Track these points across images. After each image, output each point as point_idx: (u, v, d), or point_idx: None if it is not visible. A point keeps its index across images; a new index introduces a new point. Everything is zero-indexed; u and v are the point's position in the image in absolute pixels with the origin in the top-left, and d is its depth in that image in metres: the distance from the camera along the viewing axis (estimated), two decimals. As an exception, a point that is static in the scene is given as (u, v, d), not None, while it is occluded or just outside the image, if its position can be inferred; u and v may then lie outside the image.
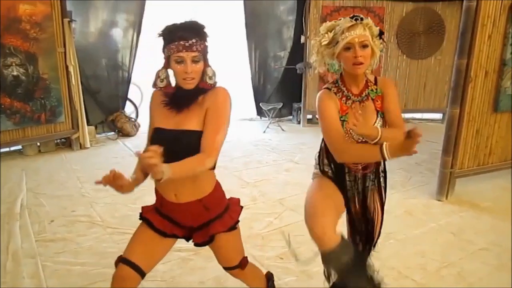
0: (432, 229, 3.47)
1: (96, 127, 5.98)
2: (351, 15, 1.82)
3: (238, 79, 8.74)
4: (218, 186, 1.86)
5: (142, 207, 1.92)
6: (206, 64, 1.67)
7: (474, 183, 4.23)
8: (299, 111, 7.20)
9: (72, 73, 5.21)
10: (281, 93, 7.23)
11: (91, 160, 5.16)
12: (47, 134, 5.31)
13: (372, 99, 1.92)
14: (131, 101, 6.67)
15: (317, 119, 7.44)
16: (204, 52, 1.63)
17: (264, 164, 5.12)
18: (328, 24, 1.87)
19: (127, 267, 1.74)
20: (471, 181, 4.20)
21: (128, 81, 6.21)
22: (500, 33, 3.73)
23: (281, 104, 6.98)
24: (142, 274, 1.76)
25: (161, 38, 1.64)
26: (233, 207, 1.92)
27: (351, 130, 1.85)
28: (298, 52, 6.87)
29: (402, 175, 4.73)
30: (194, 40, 1.58)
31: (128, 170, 4.67)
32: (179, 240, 1.95)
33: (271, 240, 3.26)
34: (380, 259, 3.00)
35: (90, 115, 5.83)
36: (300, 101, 7.03)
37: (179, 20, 1.64)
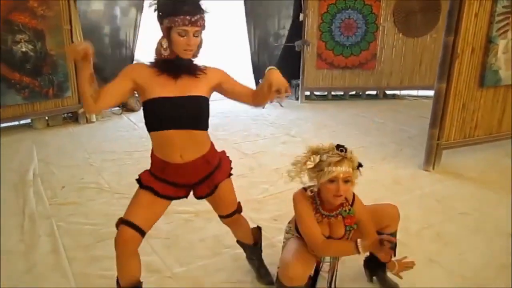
0: (417, 195, 3.72)
1: (101, 103, 6.19)
2: (337, 145, 1.93)
3: (237, 57, 8.88)
4: (211, 141, 2.03)
5: (141, 176, 1.97)
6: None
7: (460, 155, 4.46)
8: (297, 88, 7.39)
9: (78, 50, 5.40)
10: (280, 70, 7.33)
11: (97, 133, 5.42)
12: (55, 108, 5.55)
13: (343, 217, 2.05)
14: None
15: (315, 95, 7.65)
16: (203, 27, 1.75)
17: (262, 137, 5.36)
18: (313, 146, 1.98)
19: (130, 229, 1.84)
20: (457, 153, 4.43)
21: (131, 59, 6.40)
22: (486, 11, 3.90)
23: (280, 81, 7.15)
24: (143, 234, 1.89)
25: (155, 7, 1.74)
26: (224, 156, 2.11)
27: None
28: (297, 30, 7.02)
29: (394, 148, 4.96)
30: (198, 16, 1.69)
31: (131, 142, 5.08)
32: (180, 203, 2.13)
33: (267, 204, 3.52)
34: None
35: (95, 91, 6.03)
36: (299, 78, 7.21)
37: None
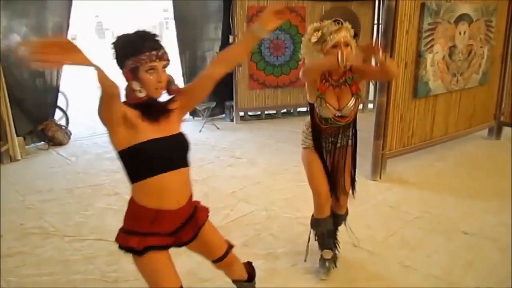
0: (373, 205, 3.88)
1: (24, 138, 5.66)
2: (334, 19, 2.31)
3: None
4: None
5: (127, 241, 1.71)
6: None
7: (400, 162, 4.75)
8: (231, 109, 7.40)
9: (-3, 82, 4.92)
10: (213, 92, 7.22)
11: (27, 172, 4.91)
12: (-28, 148, 4.95)
13: (349, 84, 2.41)
14: (60, 108, 6.39)
15: (249, 116, 7.71)
16: (169, 61, 1.66)
17: (207, 161, 5.25)
18: (314, 25, 2.33)
19: None
20: (397, 160, 4.71)
21: (56, 88, 5.95)
22: (415, 28, 4.25)
23: (214, 104, 7.12)
24: None
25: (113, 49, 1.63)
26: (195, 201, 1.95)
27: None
28: (227, 51, 7.04)
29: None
30: (163, 50, 1.62)
31: (68, 178, 4.71)
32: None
33: (232, 230, 3.42)
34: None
35: (17, 125, 5.48)
36: (232, 99, 7.22)
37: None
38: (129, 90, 1.64)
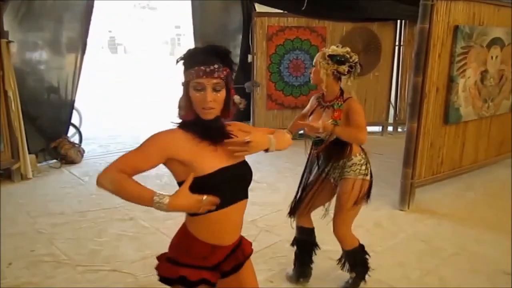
0: (403, 239, 3.64)
1: (36, 156, 5.51)
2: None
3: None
4: None
5: (181, 270, 1.56)
6: (232, 93, 1.53)
7: (428, 191, 4.50)
8: (248, 129, 7.22)
9: (12, 98, 4.79)
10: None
11: (38, 192, 4.73)
12: (-17, 166, 4.79)
13: (334, 109, 2.56)
14: (74, 125, 6.25)
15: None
16: (227, 79, 1.47)
17: (224, 185, 5.03)
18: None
19: None
20: (426, 189, 4.47)
21: (71, 105, 5.82)
22: (447, 52, 4.06)
23: (230, 123, 6.96)
24: None
25: (180, 62, 1.50)
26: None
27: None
28: (245, 71, 6.92)
29: (361, 188, 4.89)
30: (216, 66, 1.43)
31: (80, 200, 4.48)
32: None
33: (255, 263, 3.18)
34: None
35: (30, 143, 5.34)
36: (249, 119, 7.06)
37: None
38: (178, 105, 1.57)
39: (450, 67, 4.12)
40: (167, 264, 1.58)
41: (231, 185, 1.51)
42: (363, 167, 2.63)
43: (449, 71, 4.13)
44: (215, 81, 1.43)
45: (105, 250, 3.41)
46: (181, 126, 1.53)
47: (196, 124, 1.50)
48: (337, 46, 2.58)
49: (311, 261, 2.95)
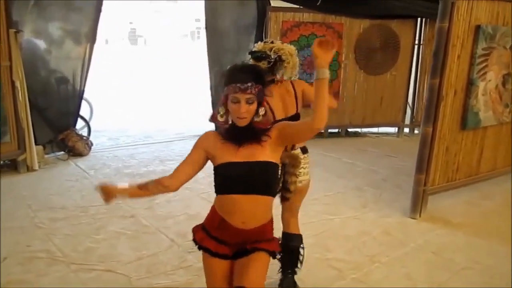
0: (413, 249, 3.46)
1: (44, 147, 5.47)
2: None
3: (196, 92, 8.44)
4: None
5: (194, 233, 2.01)
6: (262, 104, 1.83)
7: (442, 199, 4.30)
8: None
9: (19, 89, 4.75)
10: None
11: (42, 185, 4.68)
12: (-10, 156, 4.77)
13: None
14: (82, 117, 6.21)
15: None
16: (258, 95, 1.78)
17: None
18: None
19: None
20: (439, 197, 4.26)
21: (80, 96, 5.77)
22: (467, 53, 3.84)
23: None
24: None
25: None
26: (277, 239, 2.07)
27: None
28: (258, 66, 6.76)
29: (372, 193, 4.71)
30: (249, 84, 1.75)
31: (83, 195, 4.38)
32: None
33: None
34: (370, 283, 2.94)
35: (38, 134, 5.31)
36: (261, 116, 6.92)
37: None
38: (215, 111, 1.88)
39: (470, 69, 3.90)
40: (197, 226, 2.02)
41: (238, 177, 1.83)
42: None
43: (468, 73, 3.91)
44: (248, 96, 1.76)
45: (101, 248, 3.32)
46: (216, 129, 1.96)
47: (229, 129, 1.87)
48: (271, 42, 2.64)
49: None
